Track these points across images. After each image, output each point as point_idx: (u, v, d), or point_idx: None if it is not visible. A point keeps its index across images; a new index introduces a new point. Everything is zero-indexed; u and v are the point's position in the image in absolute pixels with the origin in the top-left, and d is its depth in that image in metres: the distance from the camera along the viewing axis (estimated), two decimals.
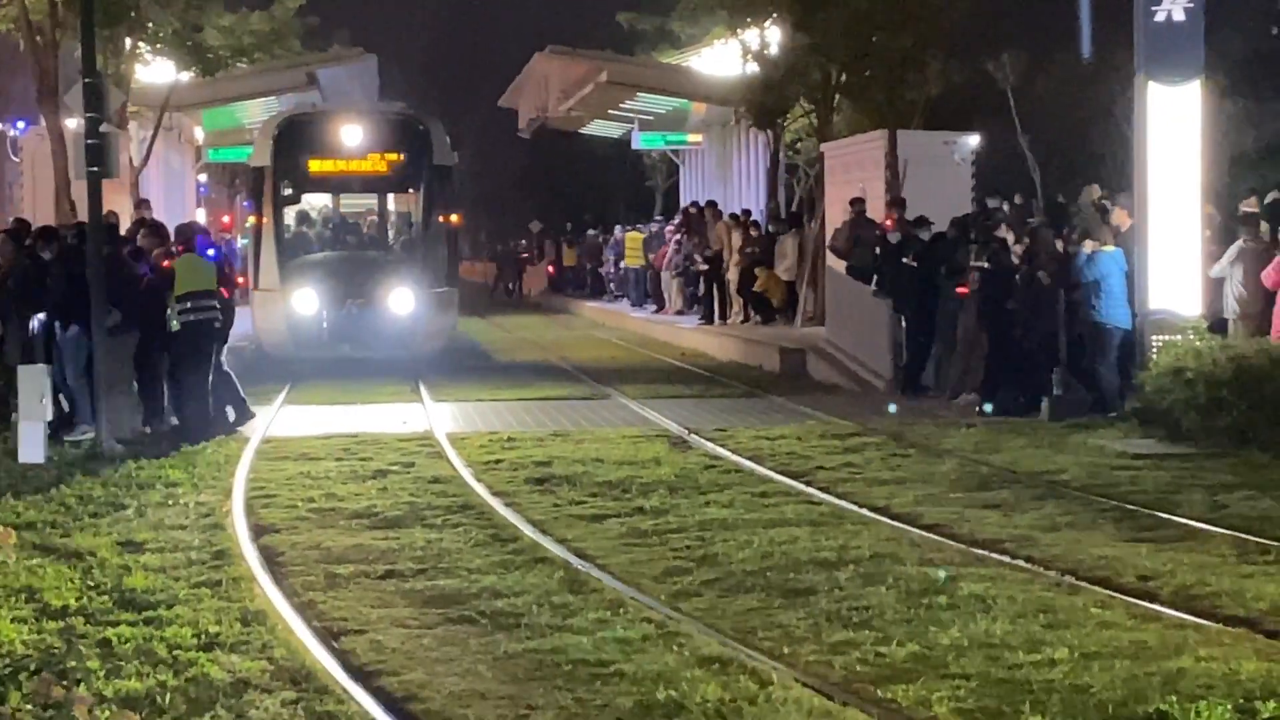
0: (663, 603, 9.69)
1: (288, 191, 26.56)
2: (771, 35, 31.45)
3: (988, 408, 18.36)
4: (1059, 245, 18.78)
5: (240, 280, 18.53)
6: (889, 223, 23.16)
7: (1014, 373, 18.58)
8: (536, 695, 7.82)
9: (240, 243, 38.67)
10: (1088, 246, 17.96)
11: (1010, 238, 19.11)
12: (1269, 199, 20.14)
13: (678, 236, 35.49)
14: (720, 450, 16.11)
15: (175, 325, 17.26)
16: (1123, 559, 10.68)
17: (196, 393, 17.46)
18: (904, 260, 20.92)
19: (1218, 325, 17.66)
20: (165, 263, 17.73)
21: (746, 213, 33.74)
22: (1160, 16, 17.80)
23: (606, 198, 64.74)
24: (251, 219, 27.70)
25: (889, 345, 21.47)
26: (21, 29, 24.27)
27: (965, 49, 29.39)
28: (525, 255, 59.84)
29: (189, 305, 17.30)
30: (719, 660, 8.33)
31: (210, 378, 17.65)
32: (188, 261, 17.59)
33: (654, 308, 37.87)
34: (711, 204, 34.73)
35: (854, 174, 27.59)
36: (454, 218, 27.43)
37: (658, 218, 46.05)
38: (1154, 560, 10.63)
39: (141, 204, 24.76)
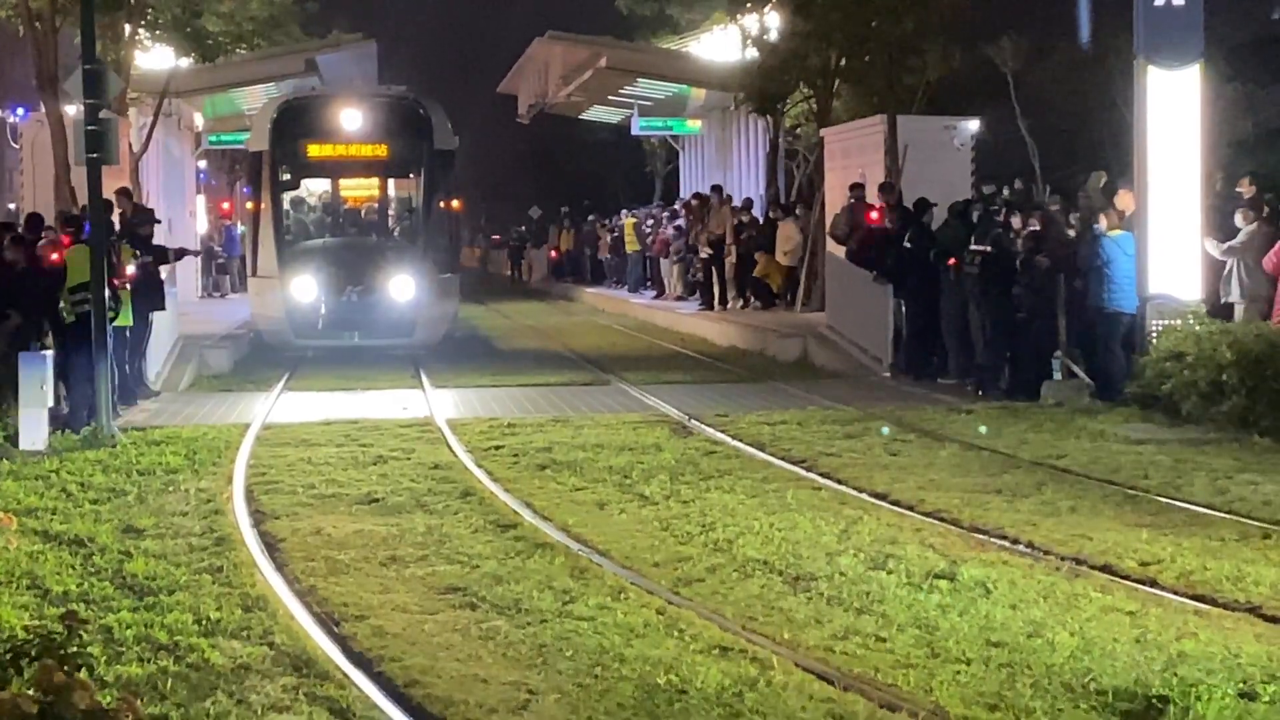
0: (665, 589, 9.69)
1: (286, 176, 26.34)
2: (771, 20, 31.38)
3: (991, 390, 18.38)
4: (1069, 230, 18.77)
5: (128, 272, 17.93)
6: (876, 213, 23.17)
7: (1015, 357, 18.58)
8: (538, 681, 7.82)
9: (239, 229, 38.66)
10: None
11: (1016, 221, 19.00)
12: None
13: (678, 222, 35.45)
14: (721, 436, 16.10)
15: (70, 317, 16.76)
16: (1124, 544, 10.68)
17: (87, 380, 17.10)
18: (905, 245, 20.91)
19: (1220, 310, 17.63)
20: (55, 255, 17.28)
21: (739, 197, 33.68)
22: (1160, 1, 17.77)
23: (606, 183, 64.71)
24: (250, 205, 27.58)
25: (889, 330, 21.47)
26: (21, 15, 24.17)
27: (965, 34, 29.38)
28: (513, 242, 59.96)
29: (83, 296, 16.81)
30: (721, 646, 8.33)
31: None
32: (81, 252, 17.02)
33: (653, 293, 37.86)
34: (716, 189, 34.62)
35: (854, 159, 27.56)
36: (455, 203, 27.30)
37: (658, 203, 46.02)
38: (1156, 545, 10.63)
39: (122, 192, 24.42)
